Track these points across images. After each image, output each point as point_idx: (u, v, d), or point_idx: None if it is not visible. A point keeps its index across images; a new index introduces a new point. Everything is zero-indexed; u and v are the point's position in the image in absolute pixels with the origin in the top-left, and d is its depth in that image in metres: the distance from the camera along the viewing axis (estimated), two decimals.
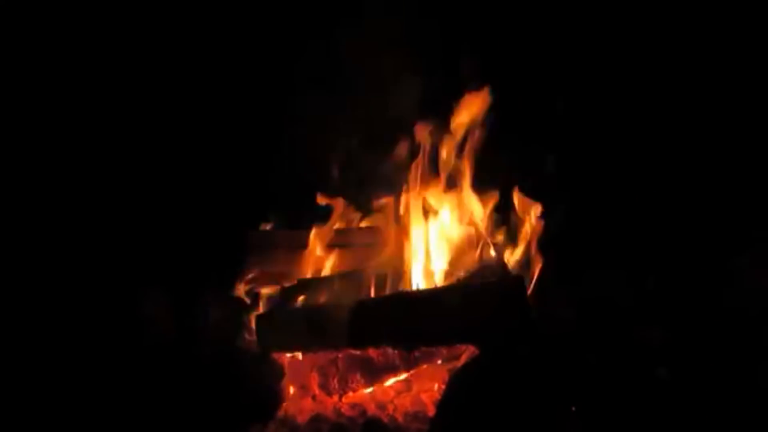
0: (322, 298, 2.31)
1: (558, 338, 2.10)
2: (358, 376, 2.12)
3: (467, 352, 2.12)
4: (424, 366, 2.14)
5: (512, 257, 2.36)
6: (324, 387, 2.12)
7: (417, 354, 2.12)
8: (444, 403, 1.91)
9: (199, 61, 3.16)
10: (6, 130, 2.95)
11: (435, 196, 2.44)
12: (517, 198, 2.40)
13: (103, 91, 3.09)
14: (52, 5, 3.03)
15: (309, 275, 2.49)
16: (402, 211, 2.44)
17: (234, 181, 3.07)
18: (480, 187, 2.44)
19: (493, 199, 2.41)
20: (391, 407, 2.06)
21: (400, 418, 2.02)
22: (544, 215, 2.36)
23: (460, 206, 2.43)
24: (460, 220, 2.42)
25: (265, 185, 3.03)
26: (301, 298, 2.35)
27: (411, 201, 2.42)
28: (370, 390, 2.13)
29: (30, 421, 2.08)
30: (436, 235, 2.40)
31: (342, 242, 2.56)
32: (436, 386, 2.11)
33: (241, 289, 2.46)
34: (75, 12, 3.04)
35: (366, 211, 2.69)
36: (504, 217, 2.45)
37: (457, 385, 1.93)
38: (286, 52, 3.15)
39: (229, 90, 3.16)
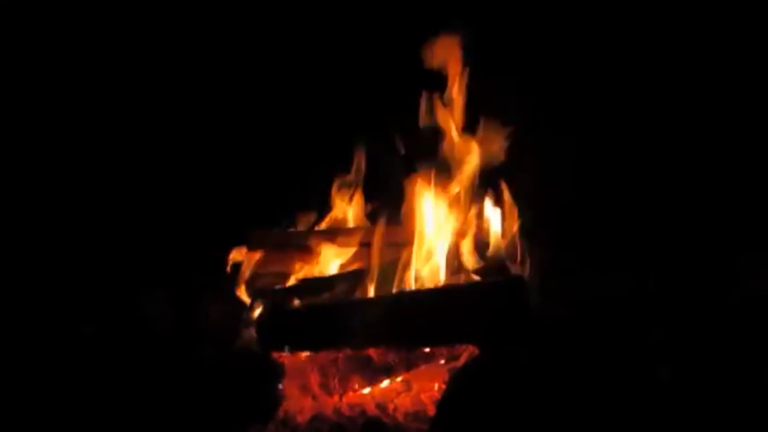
0: (323, 298, 2.31)
1: (558, 338, 2.10)
2: (358, 376, 2.12)
3: (467, 352, 2.12)
4: (424, 366, 2.14)
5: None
6: (324, 387, 2.12)
7: (417, 354, 2.12)
8: (444, 403, 1.90)
9: (201, 62, 3.16)
10: (6, 130, 2.96)
11: (436, 195, 2.43)
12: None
13: (104, 91, 3.10)
14: (52, 5, 3.04)
15: (310, 275, 2.49)
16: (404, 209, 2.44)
17: (234, 180, 3.07)
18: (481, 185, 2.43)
19: (493, 197, 2.41)
20: (391, 407, 2.06)
21: (400, 418, 2.01)
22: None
23: (461, 205, 2.43)
24: (461, 220, 2.41)
25: (265, 185, 3.03)
26: (301, 298, 2.34)
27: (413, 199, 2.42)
28: (370, 390, 2.13)
29: (29, 421, 2.08)
30: (436, 235, 2.39)
31: (344, 241, 2.55)
32: (436, 386, 2.10)
33: (241, 289, 2.46)
34: (74, 12, 3.04)
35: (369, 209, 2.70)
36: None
37: (457, 385, 1.93)
38: (286, 51, 3.16)
39: (230, 90, 3.16)
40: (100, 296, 2.61)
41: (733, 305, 2.29)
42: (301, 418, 2.05)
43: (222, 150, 3.11)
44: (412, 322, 2.10)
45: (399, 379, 2.14)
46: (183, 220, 2.94)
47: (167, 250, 2.79)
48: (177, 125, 3.12)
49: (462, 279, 2.26)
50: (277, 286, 2.43)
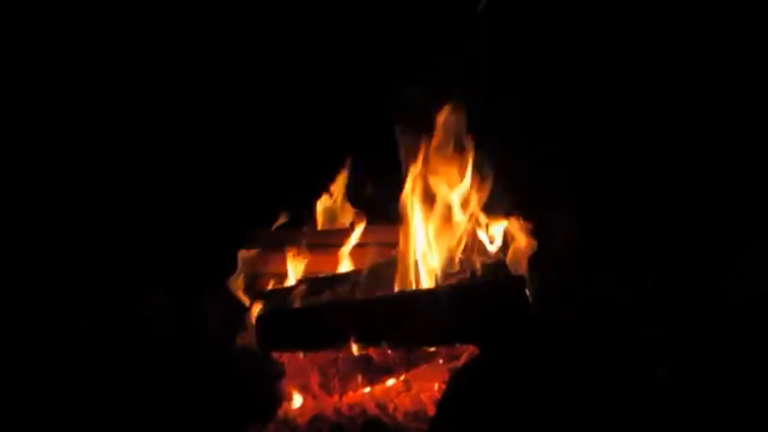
0: (323, 298, 2.31)
1: (558, 337, 2.10)
2: (358, 376, 2.12)
3: (467, 352, 2.12)
4: (424, 366, 2.14)
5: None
6: (324, 387, 2.12)
7: (417, 354, 2.12)
8: (444, 403, 1.91)
9: (201, 60, 3.16)
10: (5, 129, 2.95)
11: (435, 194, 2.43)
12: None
13: (102, 90, 3.10)
14: (52, 5, 3.03)
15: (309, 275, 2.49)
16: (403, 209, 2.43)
17: (234, 180, 3.07)
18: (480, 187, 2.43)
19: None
20: (391, 407, 2.06)
21: (400, 418, 2.02)
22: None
23: (461, 205, 2.42)
24: (461, 220, 2.41)
25: (266, 185, 3.03)
26: (301, 297, 2.34)
27: (412, 199, 2.42)
28: (370, 390, 2.13)
29: (29, 422, 2.08)
30: (436, 235, 2.39)
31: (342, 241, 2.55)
32: (436, 386, 2.10)
33: (240, 289, 2.45)
34: (74, 11, 3.04)
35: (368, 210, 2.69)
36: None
37: (457, 384, 1.93)
38: (287, 50, 3.16)
39: (230, 89, 3.16)
40: (100, 295, 2.60)
41: (732, 305, 2.29)
42: (301, 419, 2.05)
43: (221, 149, 3.11)
44: (412, 321, 2.09)
45: (399, 378, 2.15)
46: (182, 219, 2.94)
47: (167, 250, 2.79)
48: (176, 124, 3.11)
49: (462, 279, 2.26)
50: (277, 286, 2.43)
